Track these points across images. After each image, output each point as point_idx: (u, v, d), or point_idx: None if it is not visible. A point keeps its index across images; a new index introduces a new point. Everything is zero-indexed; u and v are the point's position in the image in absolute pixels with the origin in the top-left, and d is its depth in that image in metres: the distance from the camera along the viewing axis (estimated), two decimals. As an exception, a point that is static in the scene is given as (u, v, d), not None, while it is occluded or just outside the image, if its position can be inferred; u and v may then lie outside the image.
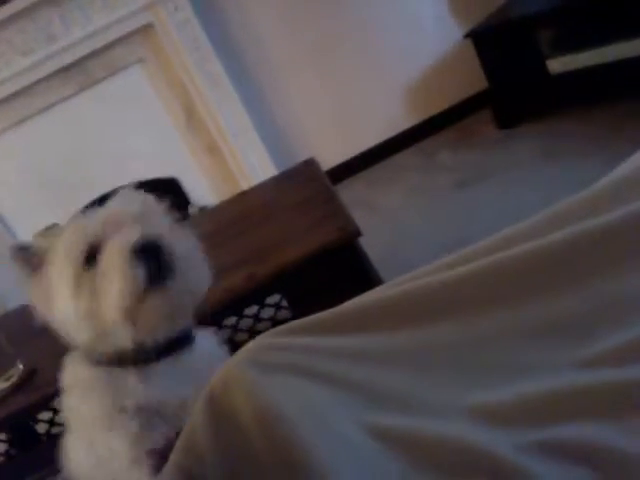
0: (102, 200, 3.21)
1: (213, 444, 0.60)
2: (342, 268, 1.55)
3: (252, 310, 1.66)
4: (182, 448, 0.63)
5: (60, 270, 0.95)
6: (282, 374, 0.62)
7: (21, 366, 1.67)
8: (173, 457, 0.63)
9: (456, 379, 0.64)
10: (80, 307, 0.93)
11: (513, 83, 2.89)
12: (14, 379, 1.63)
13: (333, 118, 3.29)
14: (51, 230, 1.88)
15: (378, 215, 2.78)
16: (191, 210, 3.13)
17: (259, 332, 1.60)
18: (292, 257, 1.54)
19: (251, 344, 0.69)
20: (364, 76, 3.23)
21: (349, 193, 2.86)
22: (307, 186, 1.97)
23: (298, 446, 0.55)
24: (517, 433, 0.57)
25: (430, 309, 0.69)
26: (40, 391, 1.59)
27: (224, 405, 0.60)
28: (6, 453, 1.73)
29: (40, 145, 3.08)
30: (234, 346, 1.59)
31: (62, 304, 0.95)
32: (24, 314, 2.15)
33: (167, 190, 3.21)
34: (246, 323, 1.67)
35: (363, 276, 1.55)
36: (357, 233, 1.51)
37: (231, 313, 1.62)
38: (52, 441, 1.69)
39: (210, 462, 0.59)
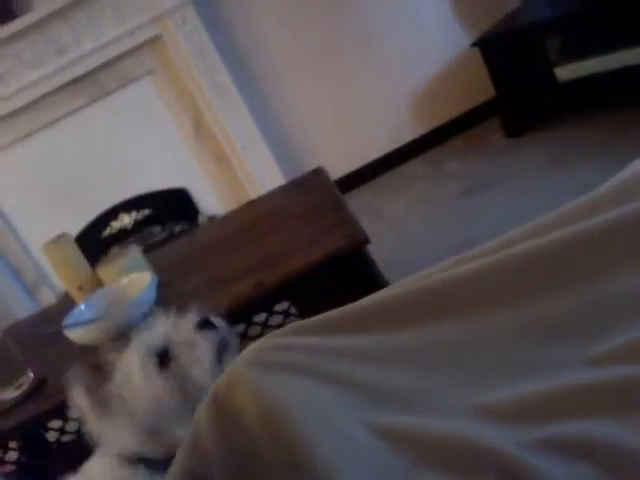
0: (114, 211, 3.22)
1: (218, 443, 0.60)
2: (350, 275, 1.55)
3: (261, 317, 1.66)
4: (186, 449, 0.63)
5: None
6: (286, 374, 0.62)
7: (32, 374, 1.67)
8: (178, 459, 0.63)
9: (460, 378, 0.63)
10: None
11: (520, 91, 2.89)
12: (25, 387, 1.64)
13: (340, 128, 3.30)
14: (61, 239, 1.90)
15: (385, 223, 2.79)
16: (200, 219, 3.15)
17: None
18: (301, 265, 1.55)
19: (255, 344, 0.69)
20: (371, 85, 3.25)
21: (356, 202, 2.87)
22: (315, 194, 1.98)
23: (303, 445, 0.55)
24: (521, 431, 0.57)
25: (433, 308, 0.69)
26: (50, 399, 1.60)
27: (228, 404, 0.61)
28: (17, 461, 1.73)
29: (51, 156, 3.11)
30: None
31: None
32: (34, 323, 2.17)
33: (177, 200, 3.25)
34: (255, 330, 1.67)
35: (371, 283, 1.54)
36: (365, 240, 1.52)
37: (239, 320, 1.62)
38: (62, 449, 1.70)
39: (215, 461, 0.60)
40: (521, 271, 0.69)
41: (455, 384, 0.63)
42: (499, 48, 2.85)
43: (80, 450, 1.69)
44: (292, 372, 0.63)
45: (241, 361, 0.66)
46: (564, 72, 2.75)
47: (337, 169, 3.07)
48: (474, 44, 2.86)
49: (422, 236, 2.51)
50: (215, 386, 0.64)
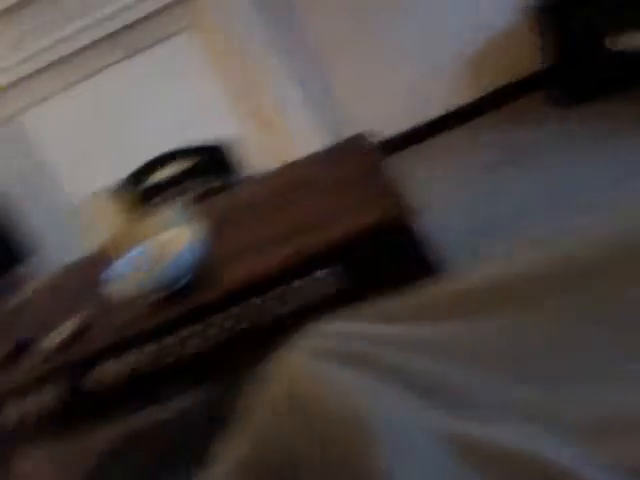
0: (148, 166, 3.24)
1: (275, 431, 0.58)
2: (393, 246, 1.54)
3: (298, 283, 1.66)
4: (238, 436, 0.61)
5: None
6: (351, 366, 0.60)
7: (75, 320, 1.71)
8: (236, 455, 0.61)
9: (528, 382, 0.60)
10: None
11: (572, 61, 2.80)
12: (67, 332, 1.67)
13: (386, 91, 3.25)
14: (103, 192, 1.92)
15: (422, 193, 2.75)
16: (238, 176, 3.15)
17: (303, 306, 1.60)
18: (342, 232, 1.54)
19: (317, 330, 0.66)
20: (421, 49, 3.18)
21: (399, 168, 2.83)
22: (357, 160, 1.96)
23: (366, 446, 0.54)
24: (600, 452, 0.53)
25: (499, 303, 0.65)
26: (91, 346, 1.64)
27: (292, 396, 0.59)
28: (51, 407, 1.76)
29: (92, 108, 3.13)
30: (278, 319, 1.60)
31: None
32: (81, 269, 2.20)
33: (215, 155, 3.25)
34: (291, 296, 1.67)
35: (414, 255, 1.53)
36: (410, 212, 1.50)
37: (276, 285, 1.62)
38: (97, 399, 1.75)
39: (291, 452, 0.58)
40: (596, 264, 0.64)
41: (523, 388, 0.59)
42: (551, 16, 2.76)
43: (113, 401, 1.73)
44: (357, 364, 0.60)
45: (304, 350, 0.63)
46: (617, 42, 2.65)
47: (381, 132, 3.03)
48: (526, 11, 2.77)
49: (467, 206, 2.46)
50: (277, 376, 0.62)
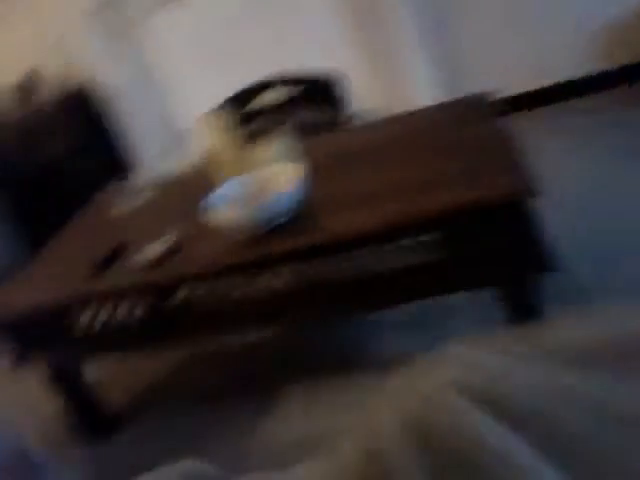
0: (253, 90, 3.16)
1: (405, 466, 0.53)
2: (503, 226, 1.44)
3: (396, 245, 1.59)
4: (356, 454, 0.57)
5: None
6: (483, 408, 0.53)
7: (167, 240, 1.70)
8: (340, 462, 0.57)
9: None
10: None
11: None
12: (158, 252, 1.67)
13: (507, 51, 3.04)
14: (214, 114, 1.88)
15: (545, 168, 2.59)
16: (340, 113, 3.05)
17: (397, 269, 1.53)
18: (451, 200, 1.46)
19: (460, 360, 0.58)
20: (560, 10, 2.94)
21: (515, 134, 2.67)
22: (475, 123, 1.83)
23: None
24: None
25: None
26: (179, 270, 1.64)
27: (423, 429, 0.53)
28: (131, 321, 1.78)
29: (202, 26, 3.09)
30: (370, 276, 1.53)
31: None
32: (179, 188, 2.18)
33: (319, 87, 3.14)
34: (385, 257, 1.60)
35: (524, 241, 1.43)
36: (529, 192, 1.39)
37: (373, 242, 1.55)
38: (177, 319, 1.76)
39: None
40: None
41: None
42: None
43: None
44: (492, 407, 0.53)
45: (444, 382, 0.56)
46: None
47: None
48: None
49: (583, 190, 2.29)
50: (407, 407, 0.55)
